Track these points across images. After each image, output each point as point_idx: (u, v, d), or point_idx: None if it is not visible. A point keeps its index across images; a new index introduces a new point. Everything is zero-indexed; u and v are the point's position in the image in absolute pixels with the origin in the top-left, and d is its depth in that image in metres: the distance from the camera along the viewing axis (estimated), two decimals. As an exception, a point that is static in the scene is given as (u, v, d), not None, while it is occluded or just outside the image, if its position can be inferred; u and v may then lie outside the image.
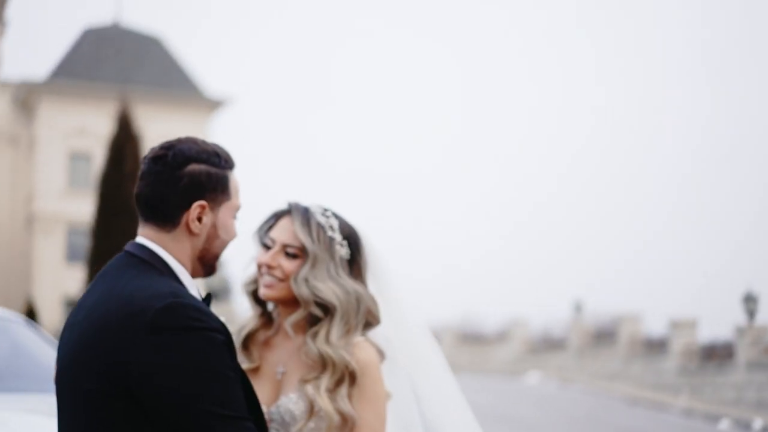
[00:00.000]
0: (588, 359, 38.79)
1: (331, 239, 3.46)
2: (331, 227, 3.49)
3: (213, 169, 2.97)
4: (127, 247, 2.94)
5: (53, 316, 47.19)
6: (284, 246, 3.46)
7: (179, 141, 2.99)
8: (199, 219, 2.93)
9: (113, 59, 56.09)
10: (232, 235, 3.06)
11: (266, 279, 3.47)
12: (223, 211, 2.99)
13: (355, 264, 3.52)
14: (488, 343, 52.90)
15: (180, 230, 2.92)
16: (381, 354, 3.47)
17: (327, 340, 3.37)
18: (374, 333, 3.53)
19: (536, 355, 44.08)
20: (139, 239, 2.94)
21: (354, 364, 3.34)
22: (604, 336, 38.88)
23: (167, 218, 2.92)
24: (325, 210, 3.54)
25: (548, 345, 44.33)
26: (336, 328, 3.39)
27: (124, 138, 34.00)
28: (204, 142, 3.02)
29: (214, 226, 2.98)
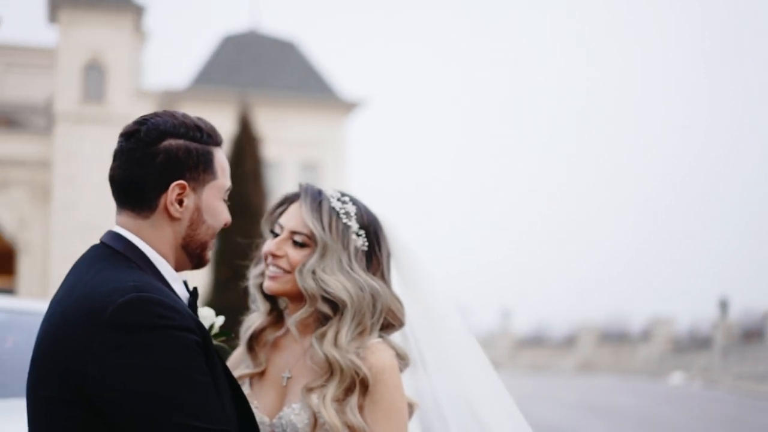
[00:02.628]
0: (734, 359, 37.61)
1: (346, 227, 3.04)
2: (347, 213, 3.07)
3: (193, 144, 2.60)
4: (102, 236, 2.61)
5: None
6: (292, 233, 3.05)
7: (155, 114, 2.64)
8: (180, 202, 2.57)
9: (251, 65, 57.03)
10: (222, 220, 2.68)
11: (271, 270, 3.05)
12: (208, 191, 2.62)
13: (374, 257, 3.07)
14: (631, 343, 51.84)
15: (158, 215, 2.57)
16: (404, 358, 3.05)
17: (335, 342, 2.92)
18: (401, 333, 3.15)
19: (680, 354, 43.02)
20: (115, 228, 2.59)
21: (366, 371, 2.88)
22: (752, 335, 37.66)
23: (143, 202, 2.56)
24: (343, 195, 3.14)
25: (693, 344, 43.23)
26: (346, 329, 2.94)
27: (245, 138, 34.39)
28: (184, 115, 2.66)
29: (197, 210, 2.61)
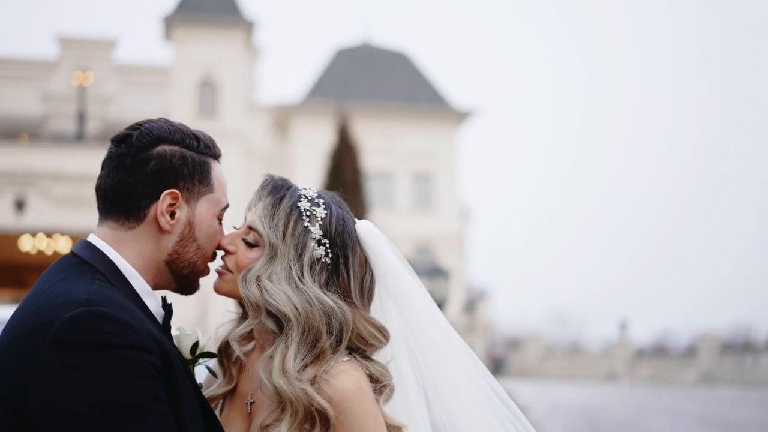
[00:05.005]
0: None
1: (305, 231, 2.55)
2: (311, 216, 2.58)
3: (189, 152, 2.39)
4: (74, 245, 2.38)
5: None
6: (249, 229, 2.61)
7: (149, 120, 2.43)
8: (172, 214, 2.36)
9: (363, 77, 57.28)
10: (214, 242, 2.44)
11: (218, 265, 2.62)
12: (203, 205, 2.41)
13: (338, 273, 2.57)
14: (754, 353, 50.45)
15: (146, 227, 2.35)
16: (379, 379, 2.54)
17: (282, 368, 2.44)
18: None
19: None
20: (90, 237, 2.37)
21: (320, 401, 2.40)
22: None
23: (130, 212, 2.34)
24: (320, 196, 2.66)
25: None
26: (293, 351, 2.45)
27: (344, 149, 34.43)
28: (182, 124, 2.44)
29: (189, 224, 2.39)
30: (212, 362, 2.69)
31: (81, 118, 38.21)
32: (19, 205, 32.66)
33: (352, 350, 2.56)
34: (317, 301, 2.49)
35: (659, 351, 70.98)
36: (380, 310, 2.72)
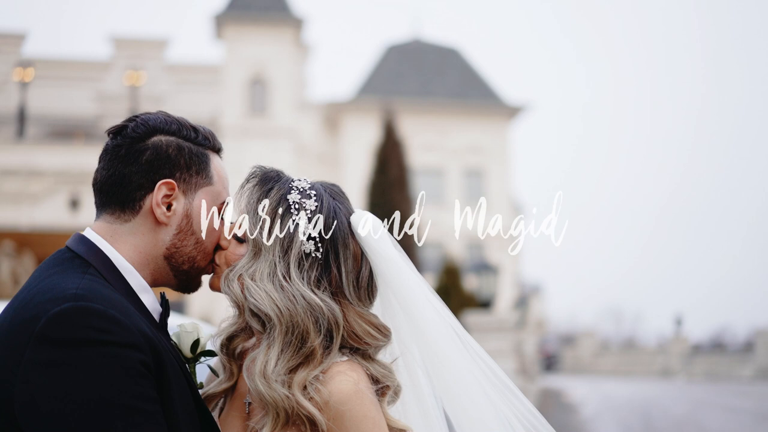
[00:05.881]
0: None
1: (293, 225, 2.40)
2: (300, 209, 2.42)
3: (186, 143, 2.32)
4: (69, 239, 2.32)
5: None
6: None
7: (146, 113, 2.36)
8: (168, 206, 2.28)
9: (414, 73, 57.17)
10: (215, 235, 2.35)
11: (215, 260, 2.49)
12: (201, 197, 2.33)
13: (329, 270, 2.41)
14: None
15: (142, 219, 2.28)
16: (380, 381, 2.41)
17: (262, 370, 2.31)
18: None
19: None
20: (85, 231, 2.31)
21: (307, 406, 2.26)
22: None
23: (125, 203, 2.27)
24: (311, 187, 2.48)
25: None
26: (276, 352, 2.32)
27: (389, 146, 34.36)
28: (181, 117, 2.35)
29: (187, 216, 2.31)
30: (214, 360, 2.60)
31: (134, 117, 38.52)
32: (74, 204, 33.04)
33: (354, 350, 2.43)
34: (302, 298, 2.34)
35: (716, 347, 70.25)
36: (380, 305, 2.58)
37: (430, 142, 54.15)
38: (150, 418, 2.04)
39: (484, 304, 26.20)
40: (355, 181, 51.78)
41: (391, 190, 32.19)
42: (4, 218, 40.57)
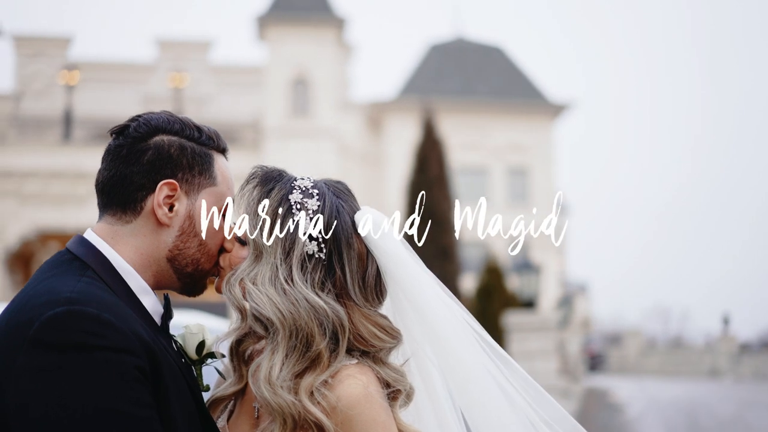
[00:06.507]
0: None
1: (295, 226, 2.33)
2: (302, 209, 2.35)
3: (189, 143, 2.28)
4: (69, 241, 2.27)
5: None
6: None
7: (149, 112, 2.33)
8: (170, 207, 2.25)
9: (457, 72, 57.05)
10: (218, 237, 2.30)
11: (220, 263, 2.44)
12: (204, 198, 2.29)
13: (333, 271, 2.34)
14: None
15: (143, 220, 2.24)
16: (390, 385, 2.34)
17: (267, 376, 2.25)
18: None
19: None
20: (86, 232, 2.26)
21: (314, 412, 2.21)
22: None
23: (126, 204, 2.24)
24: (314, 186, 2.41)
25: None
26: (280, 359, 2.26)
27: (429, 145, 34.24)
28: (185, 117, 2.32)
29: (189, 218, 2.27)
30: (221, 363, 2.55)
31: (177, 118, 38.77)
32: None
33: (363, 353, 2.36)
34: (305, 301, 2.28)
35: (764, 346, 69.55)
36: (391, 304, 2.51)
37: (474, 142, 53.99)
38: (143, 423, 2.00)
39: (527, 304, 26.07)
40: (397, 180, 51.78)
41: (431, 189, 32.09)
42: (50, 220, 40.97)
